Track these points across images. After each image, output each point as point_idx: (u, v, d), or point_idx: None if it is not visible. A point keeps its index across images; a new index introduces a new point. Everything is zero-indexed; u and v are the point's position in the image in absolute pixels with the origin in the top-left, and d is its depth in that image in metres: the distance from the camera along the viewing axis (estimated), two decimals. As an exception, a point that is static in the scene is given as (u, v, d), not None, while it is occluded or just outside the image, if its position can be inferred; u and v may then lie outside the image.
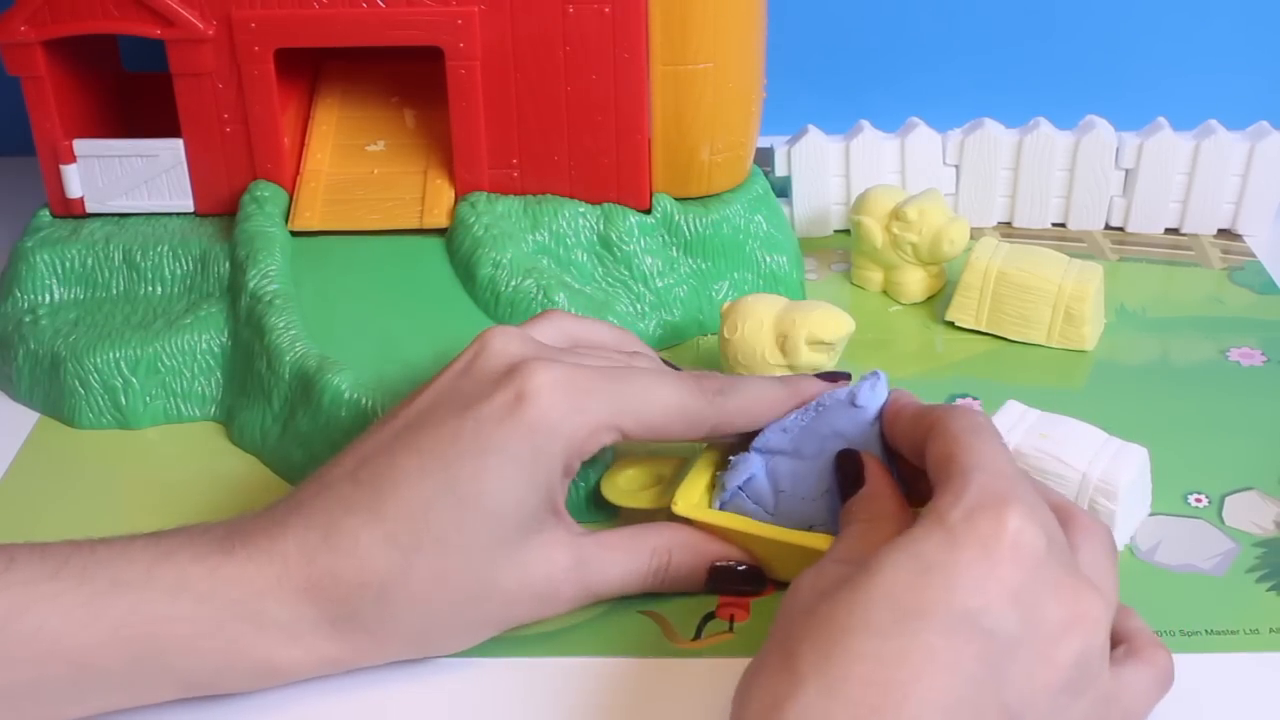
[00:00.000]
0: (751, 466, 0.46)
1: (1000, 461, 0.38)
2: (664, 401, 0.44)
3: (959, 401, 0.57)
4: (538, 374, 0.42)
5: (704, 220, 0.61)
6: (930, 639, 0.33)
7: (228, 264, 0.59)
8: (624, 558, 0.45)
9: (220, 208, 0.61)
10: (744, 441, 0.47)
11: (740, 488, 0.46)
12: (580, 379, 0.42)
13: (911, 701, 0.32)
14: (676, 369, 0.48)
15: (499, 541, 0.41)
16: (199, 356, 0.57)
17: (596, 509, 0.50)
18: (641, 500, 0.48)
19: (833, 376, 0.48)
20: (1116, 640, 0.39)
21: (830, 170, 0.70)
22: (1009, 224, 0.71)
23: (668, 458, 0.50)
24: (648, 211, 0.61)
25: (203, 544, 0.41)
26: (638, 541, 0.45)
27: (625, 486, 0.49)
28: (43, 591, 0.39)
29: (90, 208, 0.61)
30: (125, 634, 0.39)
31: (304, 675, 0.42)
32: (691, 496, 0.47)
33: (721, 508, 0.47)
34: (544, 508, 0.43)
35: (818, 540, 0.44)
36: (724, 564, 0.46)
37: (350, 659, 0.42)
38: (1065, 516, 0.39)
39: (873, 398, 0.45)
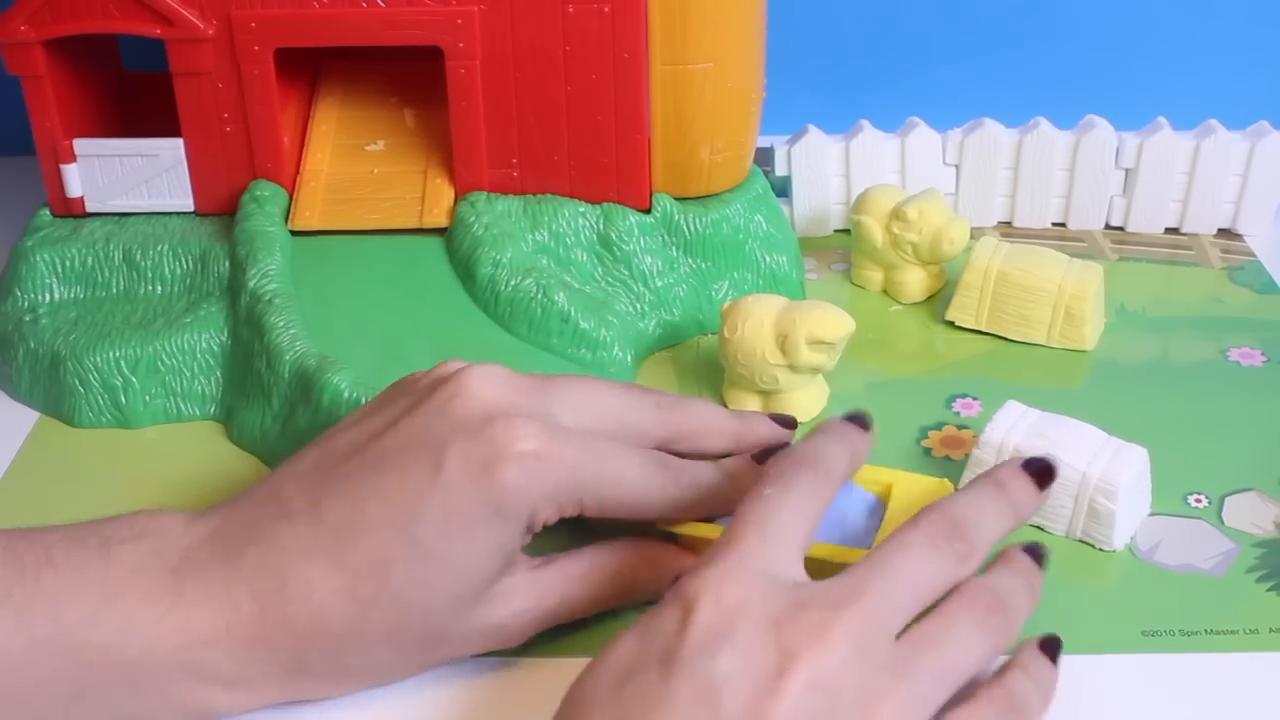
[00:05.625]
0: None
1: (740, 525, 0.38)
2: (629, 479, 0.43)
3: (955, 403, 0.57)
4: (513, 431, 0.40)
5: (704, 220, 0.61)
6: (645, 689, 0.34)
7: (227, 263, 0.59)
8: (583, 587, 0.44)
9: (220, 207, 0.61)
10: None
11: None
12: (555, 446, 0.41)
13: None
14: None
15: (459, 599, 0.41)
16: (199, 356, 0.57)
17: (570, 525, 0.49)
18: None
19: (783, 420, 0.48)
20: None
21: (830, 170, 0.70)
22: (1009, 224, 0.71)
23: None
24: (647, 211, 0.61)
25: (154, 578, 0.40)
26: (598, 563, 0.44)
27: None
28: None
29: (90, 207, 0.61)
30: (65, 676, 0.39)
31: (247, 714, 0.42)
32: None
33: None
34: (506, 565, 0.42)
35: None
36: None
37: (295, 698, 0.42)
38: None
39: None
